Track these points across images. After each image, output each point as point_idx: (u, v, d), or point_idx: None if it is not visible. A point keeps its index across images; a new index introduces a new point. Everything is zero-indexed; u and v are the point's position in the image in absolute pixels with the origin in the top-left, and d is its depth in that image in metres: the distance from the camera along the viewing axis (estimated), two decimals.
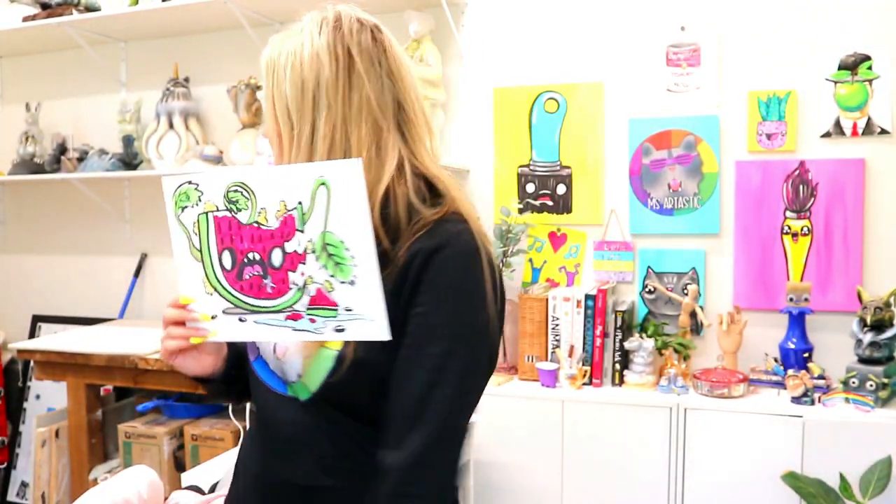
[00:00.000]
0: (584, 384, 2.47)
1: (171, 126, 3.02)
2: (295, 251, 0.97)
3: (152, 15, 2.94)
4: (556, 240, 2.78)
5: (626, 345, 2.47)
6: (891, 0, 2.39)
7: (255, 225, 0.99)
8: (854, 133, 2.44)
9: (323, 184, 0.94)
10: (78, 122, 3.43)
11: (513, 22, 2.80)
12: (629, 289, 2.70)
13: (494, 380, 2.57)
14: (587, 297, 2.51)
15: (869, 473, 2.08)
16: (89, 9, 3.06)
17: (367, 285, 0.95)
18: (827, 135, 2.47)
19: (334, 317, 0.97)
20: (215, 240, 1.02)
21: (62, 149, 3.32)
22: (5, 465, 3.40)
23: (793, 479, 2.12)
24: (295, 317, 0.99)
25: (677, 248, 2.63)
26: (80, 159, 3.21)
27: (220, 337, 1.06)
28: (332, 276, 0.96)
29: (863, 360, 2.28)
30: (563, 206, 2.77)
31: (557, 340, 2.55)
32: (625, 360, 2.50)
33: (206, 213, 1.02)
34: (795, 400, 2.24)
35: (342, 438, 1.07)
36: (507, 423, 2.46)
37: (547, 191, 2.78)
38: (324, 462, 1.07)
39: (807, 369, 2.34)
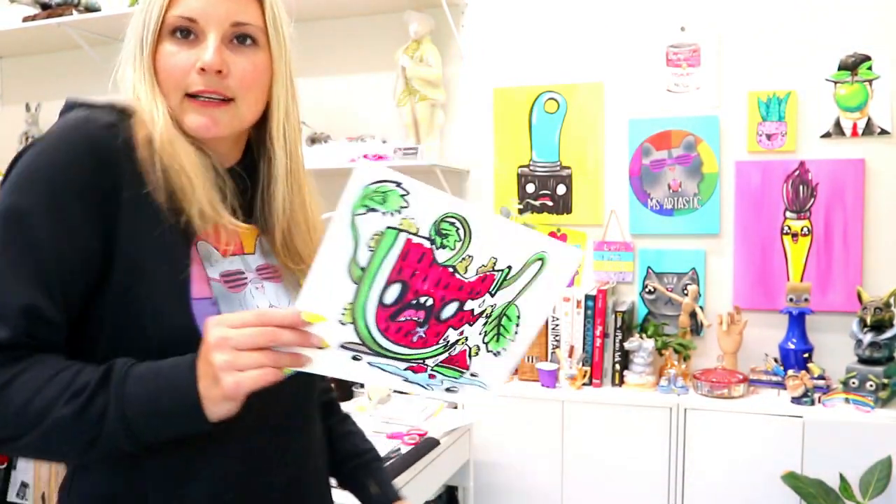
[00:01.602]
0: (584, 384, 2.47)
1: None
2: (471, 310, 0.85)
3: None
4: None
5: (626, 345, 2.47)
6: (891, 0, 2.39)
7: (450, 269, 0.81)
8: (854, 133, 2.44)
9: (540, 259, 0.85)
10: None
11: (513, 22, 2.80)
12: (629, 289, 2.70)
13: None
14: (587, 297, 2.51)
15: (869, 474, 2.08)
16: (89, 9, 3.06)
17: (509, 359, 0.90)
18: (827, 135, 2.47)
19: (457, 378, 0.89)
20: (393, 266, 0.79)
21: None
22: (5, 465, 3.40)
23: (793, 480, 2.12)
24: (418, 369, 0.86)
25: (677, 248, 2.63)
26: None
27: (316, 368, 0.81)
28: (486, 342, 0.88)
29: (863, 361, 2.28)
30: (563, 206, 2.77)
31: (557, 341, 2.55)
32: (625, 360, 2.50)
33: (400, 230, 0.78)
34: (795, 400, 2.24)
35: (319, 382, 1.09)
36: (507, 423, 2.46)
37: (547, 191, 2.78)
38: (314, 403, 1.07)
39: (807, 369, 2.34)
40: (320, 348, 0.79)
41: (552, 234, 2.78)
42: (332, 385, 1.26)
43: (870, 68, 2.41)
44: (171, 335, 0.82)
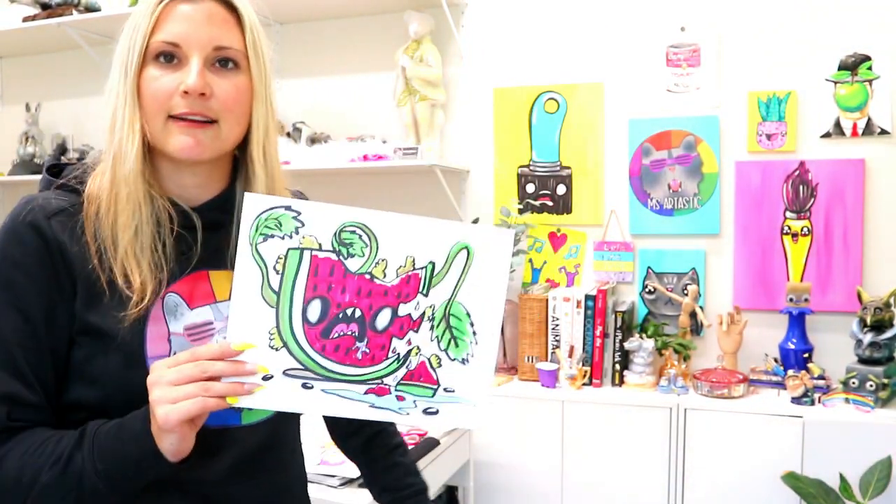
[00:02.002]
0: (584, 384, 2.47)
1: None
2: (409, 315, 0.84)
3: None
4: (556, 240, 2.78)
5: (626, 345, 2.47)
6: (891, 0, 2.39)
7: (367, 276, 0.83)
8: (854, 133, 2.44)
9: (465, 248, 0.85)
10: (78, 122, 3.43)
11: (513, 22, 2.80)
12: (629, 289, 2.70)
13: (495, 380, 2.57)
14: (587, 297, 2.51)
15: (869, 474, 2.08)
16: (89, 9, 3.06)
17: (480, 367, 0.87)
18: (827, 135, 2.47)
19: (430, 396, 0.86)
20: (305, 284, 0.81)
21: (62, 149, 3.33)
22: None
23: (793, 480, 2.12)
24: (380, 391, 0.84)
25: (677, 248, 2.63)
26: (80, 160, 3.21)
27: (267, 402, 0.82)
28: (444, 349, 0.86)
29: (863, 361, 2.28)
30: (563, 206, 2.77)
31: (557, 341, 2.55)
32: (625, 360, 2.50)
33: (303, 249, 0.81)
34: (795, 400, 2.24)
35: (297, 417, 1.11)
36: (507, 423, 2.46)
37: (547, 191, 2.78)
38: (295, 443, 1.10)
39: (807, 369, 2.33)
40: (265, 378, 0.81)
41: (552, 235, 2.78)
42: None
43: (870, 68, 2.41)
44: (132, 397, 0.86)
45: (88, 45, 3.13)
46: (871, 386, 2.20)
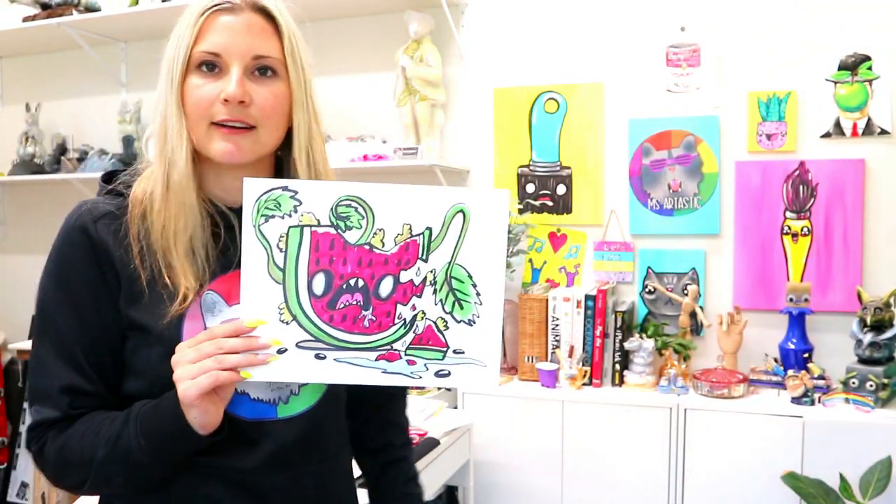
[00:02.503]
0: (584, 384, 2.47)
1: None
2: (411, 281, 0.88)
3: (152, 15, 2.94)
4: (556, 240, 2.78)
5: (626, 345, 2.47)
6: (891, 0, 2.39)
7: (367, 247, 0.87)
8: (854, 133, 2.44)
9: (461, 211, 0.88)
10: (78, 122, 3.43)
11: (513, 22, 2.80)
12: (629, 289, 2.70)
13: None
14: (587, 297, 2.51)
15: (869, 474, 2.08)
16: (89, 9, 3.06)
17: (487, 327, 0.89)
18: (827, 135, 2.47)
19: (440, 359, 0.89)
20: (308, 259, 0.86)
21: (62, 149, 3.33)
22: (5, 465, 3.40)
23: (793, 480, 2.12)
24: (391, 356, 0.88)
25: (677, 248, 2.63)
26: (81, 160, 3.21)
27: (282, 374, 0.87)
28: (449, 312, 0.89)
29: (863, 361, 2.28)
30: (563, 206, 2.77)
31: (557, 341, 2.55)
32: (625, 360, 2.50)
33: (302, 226, 0.86)
34: (795, 400, 2.24)
35: (341, 414, 1.11)
36: (507, 423, 2.46)
37: (547, 191, 2.78)
38: (339, 438, 1.11)
39: (807, 369, 2.33)
40: (280, 352, 0.87)
41: (552, 235, 2.78)
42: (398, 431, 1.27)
43: (870, 68, 2.41)
44: (171, 387, 0.90)
45: (88, 45, 3.13)
46: (871, 386, 2.20)
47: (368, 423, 1.20)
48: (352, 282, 0.87)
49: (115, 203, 1.00)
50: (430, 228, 0.88)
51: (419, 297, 0.88)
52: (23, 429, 3.43)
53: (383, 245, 0.87)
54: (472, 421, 2.42)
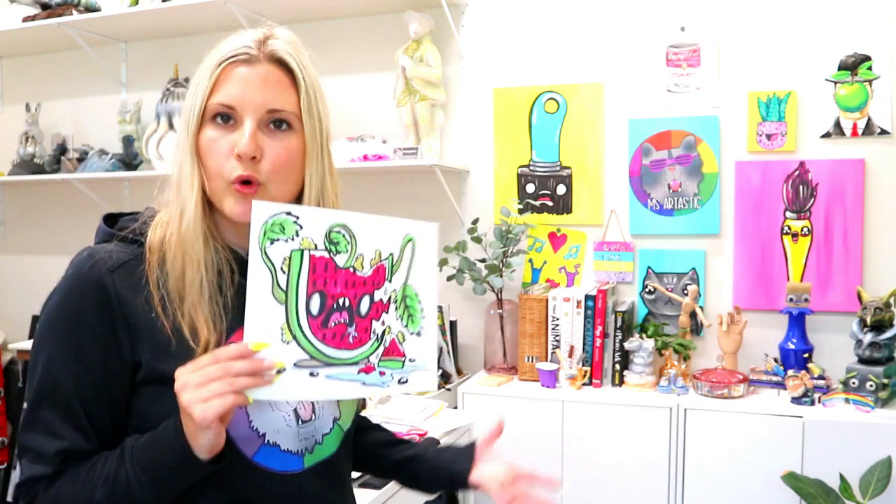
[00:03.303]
0: (584, 384, 2.47)
1: (171, 127, 3.02)
2: (381, 300, 0.97)
3: (152, 15, 2.94)
4: (556, 240, 2.78)
5: (626, 345, 2.47)
6: (891, 0, 2.39)
7: (351, 270, 0.95)
8: (854, 133, 2.44)
9: (410, 240, 0.99)
10: (78, 122, 3.43)
11: (513, 22, 2.80)
12: (629, 289, 2.70)
13: (494, 380, 2.57)
14: (587, 297, 2.51)
15: (869, 474, 2.08)
16: (89, 9, 3.06)
17: (428, 336, 1.01)
18: (827, 135, 2.47)
19: (400, 368, 0.99)
20: (307, 281, 0.92)
21: (62, 149, 3.33)
22: (5, 465, 3.40)
23: (793, 480, 2.12)
24: (367, 369, 0.96)
25: (677, 248, 2.63)
26: (80, 160, 3.21)
27: (280, 394, 0.91)
28: (405, 326, 0.99)
29: (863, 361, 2.27)
30: (563, 206, 2.77)
31: (557, 341, 2.55)
32: (625, 360, 2.50)
33: (303, 249, 0.92)
34: (795, 400, 2.24)
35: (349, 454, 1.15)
36: (508, 423, 2.45)
37: (547, 191, 2.78)
38: (350, 483, 1.15)
39: (807, 370, 2.33)
40: (279, 372, 0.90)
41: (552, 235, 2.78)
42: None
43: (870, 68, 2.41)
44: None
45: (88, 45, 3.13)
46: (871, 386, 2.20)
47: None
48: (340, 301, 0.94)
49: (130, 251, 0.98)
50: (392, 254, 0.98)
51: (387, 313, 0.98)
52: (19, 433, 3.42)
53: (363, 268, 0.96)
54: (472, 421, 2.42)
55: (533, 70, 2.78)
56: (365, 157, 2.72)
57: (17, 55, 3.54)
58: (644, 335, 2.52)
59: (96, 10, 3.06)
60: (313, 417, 1.02)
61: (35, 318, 3.50)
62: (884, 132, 2.41)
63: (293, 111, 0.98)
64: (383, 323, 0.97)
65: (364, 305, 0.96)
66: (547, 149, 2.77)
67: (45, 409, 0.94)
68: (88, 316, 0.93)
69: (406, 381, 0.99)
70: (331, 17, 2.95)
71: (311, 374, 0.92)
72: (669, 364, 2.46)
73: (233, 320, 0.96)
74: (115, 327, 0.94)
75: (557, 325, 2.55)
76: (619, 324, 2.49)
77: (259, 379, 0.87)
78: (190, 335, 0.94)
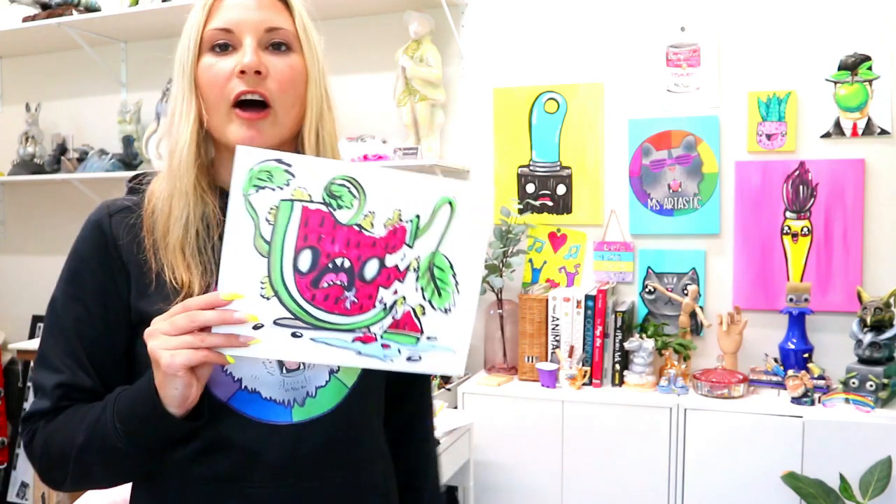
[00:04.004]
0: (584, 384, 2.47)
1: None
2: (395, 266, 0.87)
3: (152, 15, 2.94)
4: (556, 240, 2.78)
5: (626, 345, 2.47)
6: (891, 0, 2.39)
7: (356, 228, 0.86)
8: (854, 133, 2.44)
9: (449, 202, 0.89)
10: (78, 122, 3.43)
11: (513, 22, 2.80)
12: (629, 289, 2.70)
13: (494, 380, 2.57)
14: (587, 297, 2.51)
15: (869, 474, 2.08)
16: (89, 9, 3.06)
17: (462, 316, 0.90)
18: (827, 135, 2.47)
19: (413, 344, 0.89)
20: (297, 234, 0.84)
21: (62, 149, 3.33)
22: (5, 465, 3.40)
23: (793, 480, 2.12)
24: (366, 339, 0.87)
25: (677, 248, 2.63)
26: (80, 160, 3.21)
27: (263, 351, 0.85)
28: (428, 299, 0.89)
29: (863, 361, 2.27)
30: (563, 206, 2.77)
31: (557, 341, 2.55)
32: (625, 360, 2.50)
33: (294, 200, 0.84)
34: (795, 400, 2.24)
35: (376, 421, 1.06)
36: (507, 423, 2.46)
37: (547, 191, 2.78)
38: (367, 449, 1.04)
39: (807, 370, 2.33)
40: (256, 328, 0.84)
41: (552, 235, 2.78)
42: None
43: (870, 68, 2.41)
44: None
45: (88, 45, 3.13)
46: (871, 386, 2.20)
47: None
48: (338, 261, 0.86)
49: (133, 199, 1.00)
50: (418, 216, 0.88)
51: (401, 282, 0.88)
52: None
53: (372, 227, 0.86)
54: (472, 421, 2.42)
55: (533, 70, 2.78)
56: (365, 157, 2.72)
57: (17, 55, 3.54)
58: (644, 335, 2.52)
59: (96, 10, 3.06)
60: (302, 367, 0.95)
61: (35, 318, 3.50)
62: (884, 132, 2.41)
63: (291, 31, 0.97)
64: (395, 292, 0.88)
65: (370, 269, 0.87)
66: (547, 149, 2.77)
67: (49, 346, 0.96)
68: (89, 257, 0.96)
69: (418, 360, 0.89)
70: (331, 17, 2.95)
71: (294, 335, 0.85)
72: (669, 364, 2.45)
73: (214, 266, 0.93)
74: (112, 269, 0.95)
75: (557, 325, 2.55)
76: (619, 324, 2.49)
77: (232, 339, 0.82)
78: (170, 278, 0.92)
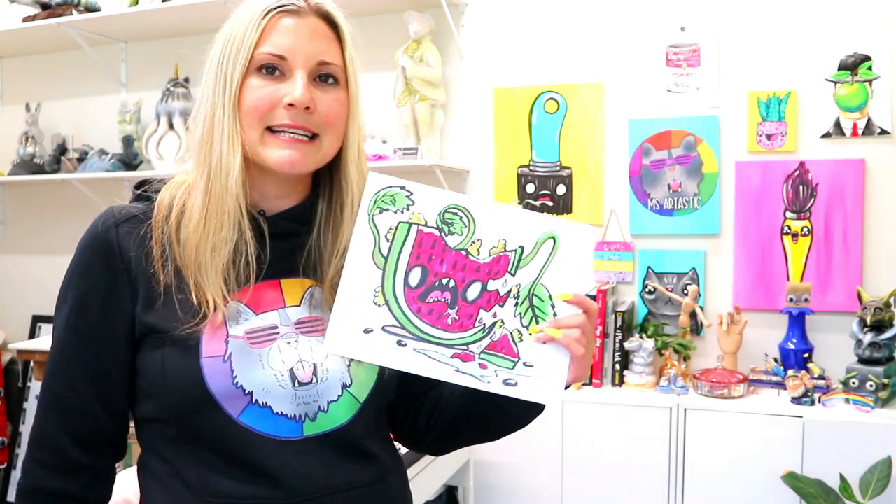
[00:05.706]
0: (584, 384, 2.47)
1: (171, 126, 3.02)
2: (497, 291, 0.95)
3: (152, 15, 2.94)
4: None
5: (626, 345, 2.47)
6: (891, 0, 2.39)
7: (463, 253, 0.95)
8: (854, 133, 2.44)
9: (552, 238, 0.96)
10: (78, 122, 3.43)
11: (513, 22, 2.80)
12: (629, 289, 2.70)
13: None
14: (587, 297, 2.51)
15: (869, 474, 2.08)
16: (89, 9, 3.06)
17: (559, 348, 0.95)
18: (827, 135, 2.47)
19: (510, 368, 0.94)
20: (410, 253, 0.94)
21: (62, 149, 3.33)
22: (5, 465, 3.40)
23: (793, 480, 2.12)
24: (465, 357, 0.94)
25: (677, 248, 2.63)
26: (80, 160, 3.21)
27: (365, 354, 0.93)
28: (526, 326, 0.95)
29: (863, 361, 2.27)
30: (563, 206, 2.77)
31: None
32: (625, 360, 2.50)
33: (411, 223, 0.94)
34: (795, 400, 2.24)
35: (384, 434, 1.05)
36: None
37: (547, 191, 2.78)
38: (380, 462, 1.01)
39: (807, 370, 2.33)
40: (366, 332, 0.93)
41: None
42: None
43: (870, 68, 2.41)
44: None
45: (88, 45, 3.13)
46: (871, 386, 2.20)
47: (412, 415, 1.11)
48: (444, 280, 0.94)
49: (141, 207, 0.97)
50: (522, 247, 0.96)
51: (501, 306, 0.95)
52: (23, 429, 3.42)
53: (478, 254, 0.95)
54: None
55: (533, 70, 2.78)
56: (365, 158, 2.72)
57: (17, 55, 3.54)
58: (644, 335, 2.52)
59: (96, 10, 3.06)
60: (314, 381, 0.92)
61: (35, 318, 3.50)
62: (884, 132, 2.41)
63: (339, 65, 0.98)
64: (494, 315, 0.95)
65: (473, 291, 0.95)
66: (547, 149, 2.77)
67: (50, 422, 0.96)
68: (93, 268, 0.94)
69: (514, 384, 0.94)
70: None
71: (399, 343, 0.93)
72: (669, 364, 2.46)
73: (239, 280, 0.93)
74: (118, 282, 0.93)
75: None
76: (619, 324, 2.49)
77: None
78: (195, 298, 0.91)
